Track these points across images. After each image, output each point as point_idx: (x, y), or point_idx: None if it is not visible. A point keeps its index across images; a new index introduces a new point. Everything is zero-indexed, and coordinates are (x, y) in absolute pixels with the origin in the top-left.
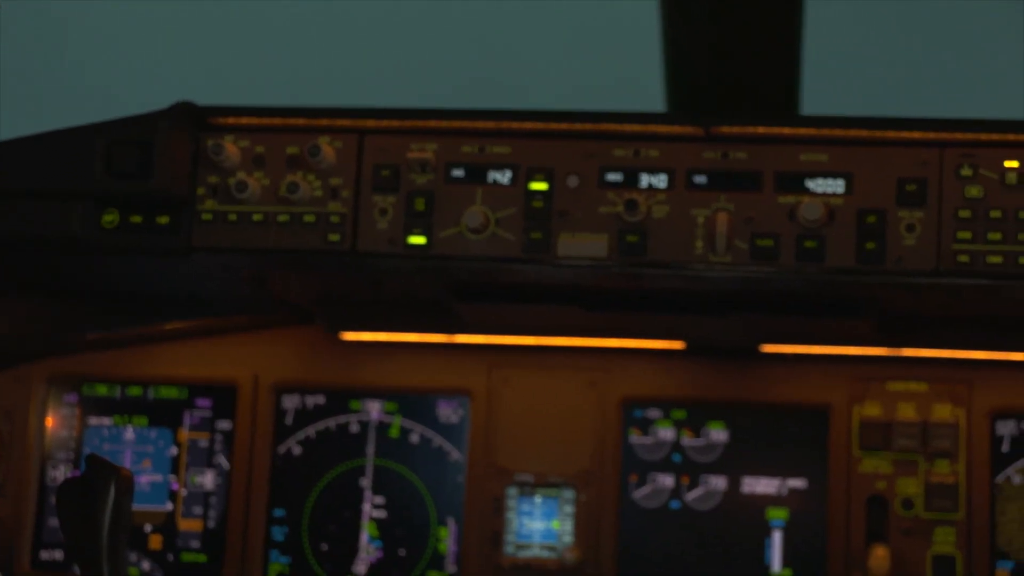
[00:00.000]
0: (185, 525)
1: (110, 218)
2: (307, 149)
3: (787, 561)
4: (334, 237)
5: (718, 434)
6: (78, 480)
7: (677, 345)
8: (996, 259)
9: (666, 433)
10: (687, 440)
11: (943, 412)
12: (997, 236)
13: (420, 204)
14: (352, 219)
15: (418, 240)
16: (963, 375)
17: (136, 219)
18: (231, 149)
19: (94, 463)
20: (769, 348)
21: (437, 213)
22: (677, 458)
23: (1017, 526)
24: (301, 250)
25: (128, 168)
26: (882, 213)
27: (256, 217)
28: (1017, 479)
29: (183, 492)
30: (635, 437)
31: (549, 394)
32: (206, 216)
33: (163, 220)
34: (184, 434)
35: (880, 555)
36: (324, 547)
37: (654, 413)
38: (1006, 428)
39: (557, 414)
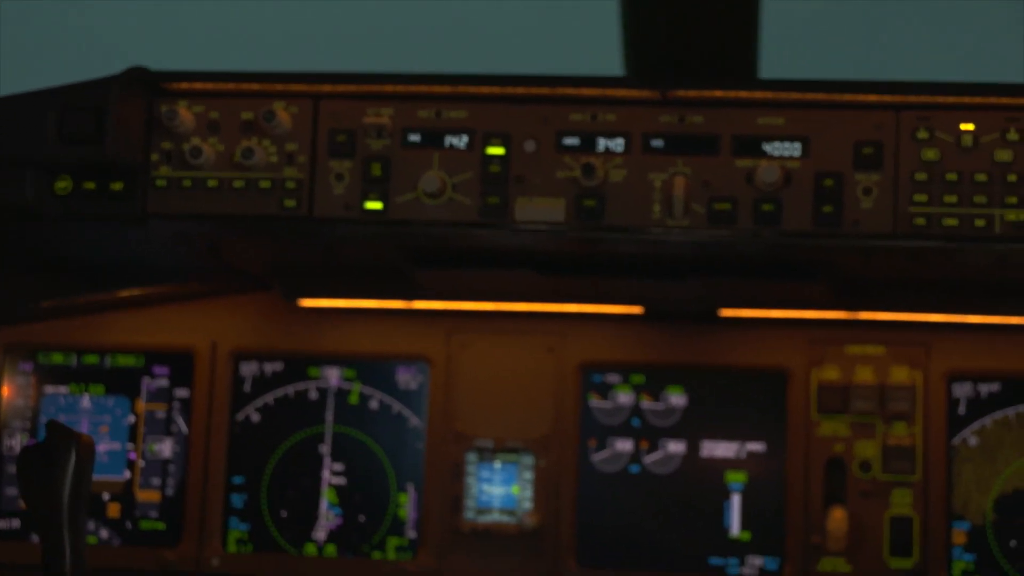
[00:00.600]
0: (143, 494)
1: (63, 185)
2: (262, 114)
3: (746, 524)
4: (290, 203)
5: (677, 398)
6: (38, 447)
7: (635, 310)
8: (952, 221)
9: (625, 398)
10: (646, 404)
11: (900, 375)
12: (953, 199)
13: (376, 169)
14: (308, 185)
15: (375, 205)
16: (920, 338)
17: (89, 186)
18: (185, 115)
19: (54, 429)
20: (727, 312)
21: (394, 178)
22: (636, 422)
23: (973, 488)
24: (257, 216)
25: (81, 134)
26: (839, 176)
27: (211, 183)
28: (973, 441)
29: (141, 462)
30: (594, 402)
31: (508, 360)
32: (160, 183)
33: (117, 187)
34: (142, 404)
35: (838, 517)
36: (283, 514)
37: (613, 378)
38: (962, 390)
39: (516, 379)
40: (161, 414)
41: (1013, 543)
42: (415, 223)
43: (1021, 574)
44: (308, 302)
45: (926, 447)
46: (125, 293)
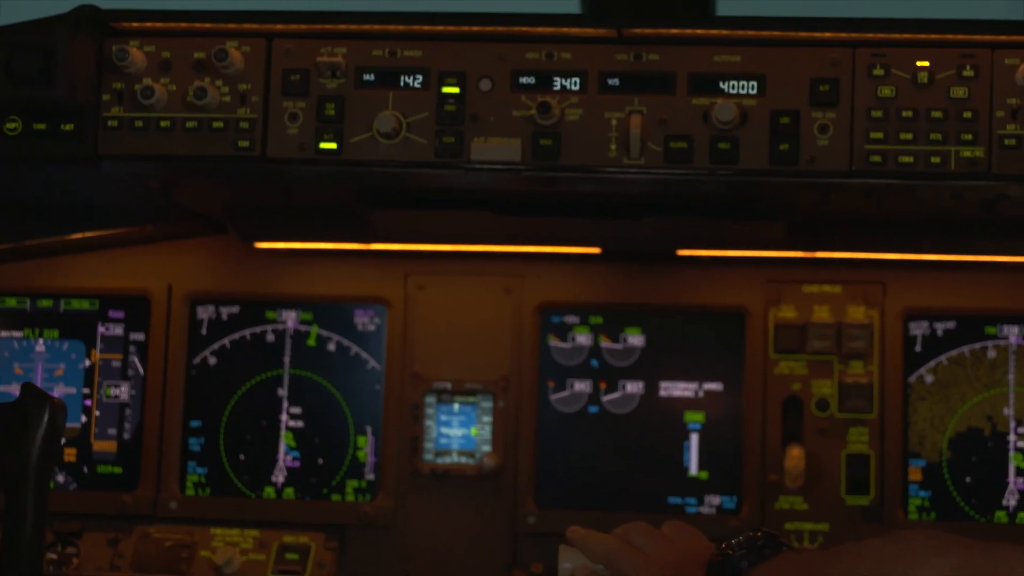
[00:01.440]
0: (100, 442)
1: (12, 125)
2: (214, 54)
3: (704, 463)
4: (243, 143)
5: (635, 339)
6: (10, 407)
7: (593, 250)
8: (907, 159)
9: (583, 339)
10: (604, 345)
11: (857, 313)
12: (909, 136)
13: (331, 109)
14: (262, 125)
15: (329, 146)
16: (877, 277)
17: (39, 126)
18: (136, 54)
19: (29, 391)
20: (685, 252)
21: (348, 118)
22: (594, 363)
23: (928, 425)
24: (210, 157)
25: (29, 74)
26: (795, 114)
27: (163, 124)
28: (928, 379)
29: (97, 409)
30: (552, 343)
31: (466, 301)
32: (112, 123)
33: (67, 127)
34: (96, 353)
35: (795, 455)
36: (241, 457)
37: (571, 319)
38: (919, 328)
39: (474, 321)
40: (117, 358)
41: (968, 479)
42: (370, 163)
43: (975, 510)
44: (264, 245)
45: (882, 385)
46: (79, 236)
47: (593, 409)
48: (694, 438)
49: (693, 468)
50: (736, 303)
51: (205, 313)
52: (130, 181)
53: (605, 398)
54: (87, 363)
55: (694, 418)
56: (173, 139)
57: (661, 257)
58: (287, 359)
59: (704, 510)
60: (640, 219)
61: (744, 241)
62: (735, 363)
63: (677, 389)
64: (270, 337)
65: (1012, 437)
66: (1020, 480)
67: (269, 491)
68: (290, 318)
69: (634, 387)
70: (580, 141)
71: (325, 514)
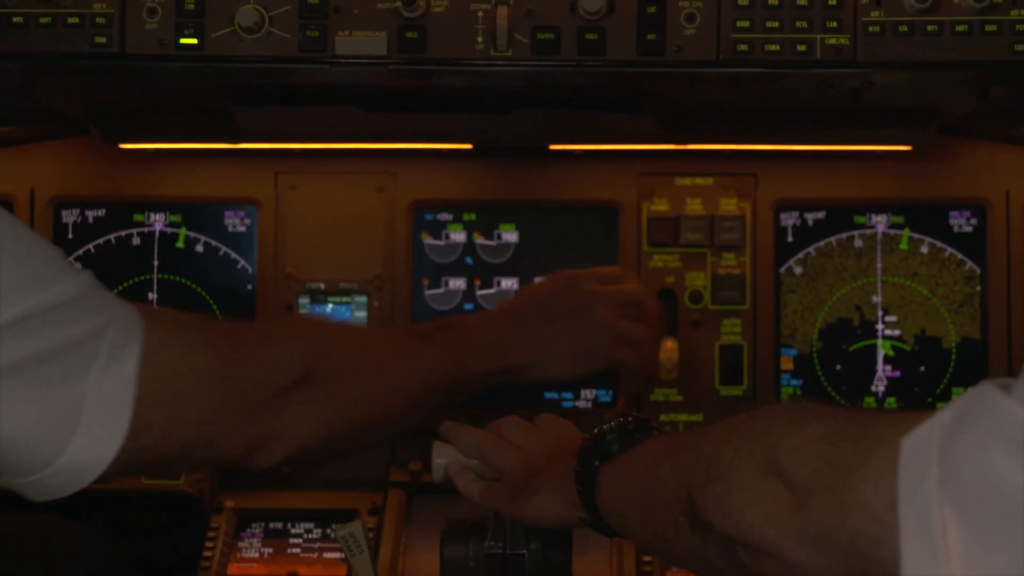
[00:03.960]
0: None
1: None
2: None
3: None
4: (100, 39)
5: (509, 235)
6: None
7: (464, 146)
8: (774, 47)
9: (457, 236)
10: (479, 242)
11: (729, 205)
12: (775, 24)
13: (190, 3)
14: (119, 20)
15: (190, 41)
16: (749, 168)
17: None
18: None
19: None
20: (557, 147)
21: (209, 12)
22: (469, 260)
23: (799, 315)
24: (66, 54)
25: None
26: (662, 3)
27: (16, 19)
28: (798, 270)
29: None
30: (426, 240)
31: (338, 200)
32: None
33: None
34: None
35: (670, 347)
36: None
37: (444, 216)
38: (790, 219)
39: (347, 220)
40: None
41: (838, 367)
42: (232, 59)
43: (844, 397)
44: (129, 145)
45: (755, 276)
46: None
47: (468, 306)
48: None
49: None
50: (609, 197)
51: (70, 217)
52: None
53: (480, 293)
54: None
55: None
56: (27, 36)
57: (534, 152)
58: (156, 263)
59: (580, 404)
60: (509, 112)
61: (614, 134)
62: (609, 257)
63: None
64: (136, 240)
65: (880, 326)
66: (888, 368)
67: None
68: (158, 221)
69: (509, 283)
70: (446, 34)
71: None
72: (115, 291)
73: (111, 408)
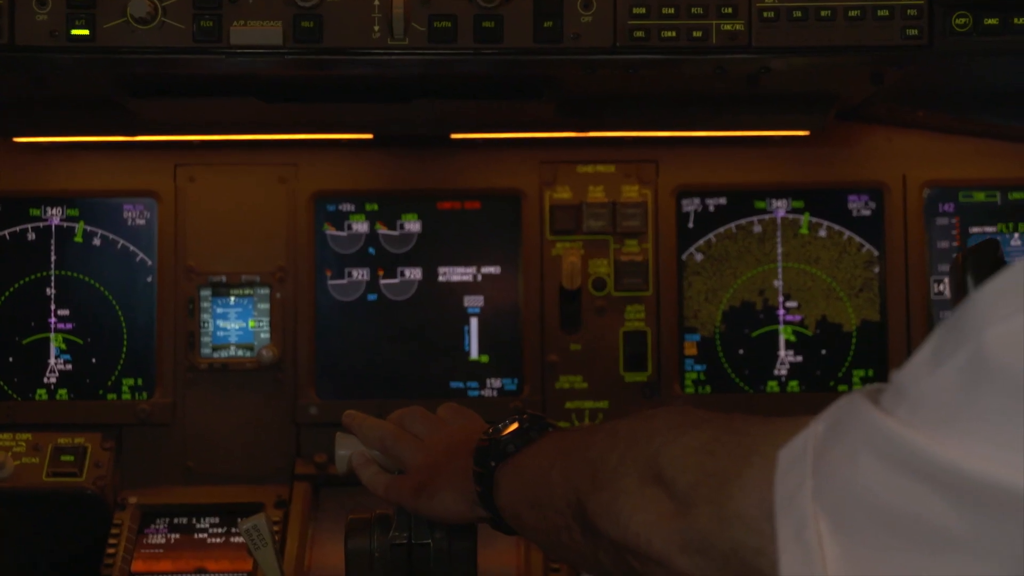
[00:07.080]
0: None
1: None
2: None
3: (484, 347)
4: None
5: (412, 225)
6: None
7: (365, 136)
8: (670, 33)
9: (359, 226)
10: (381, 232)
11: (631, 192)
12: (671, 11)
13: None
14: (8, 10)
15: (81, 32)
16: (649, 155)
17: None
18: None
19: None
20: (458, 136)
21: (100, 3)
22: (372, 251)
23: (702, 300)
24: None
25: None
26: None
27: None
28: (699, 256)
29: None
30: (328, 231)
31: (239, 192)
32: None
33: None
34: None
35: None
36: (11, 360)
37: (347, 207)
38: (691, 205)
39: (248, 212)
40: None
41: (741, 351)
42: (125, 50)
43: (747, 382)
44: (23, 139)
45: (657, 263)
46: None
47: (372, 297)
48: (474, 322)
49: (474, 352)
50: (511, 185)
51: None
52: None
53: (383, 282)
54: None
55: (473, 302)
56: None
57: (435, 142)
58: (53, 258)
59: (486, 393)
60: (407, 101)
61: (514, 122)
62: (512, 246)
63: (456, 274)
64: (31, 236)
65: (781, 312)
66: (789, 352)
67: (41, 393)
68: (55, 215)
69: (412, 273)
70: (343, 23)
71: (101, 414)
72: (11, 289)
73: None
